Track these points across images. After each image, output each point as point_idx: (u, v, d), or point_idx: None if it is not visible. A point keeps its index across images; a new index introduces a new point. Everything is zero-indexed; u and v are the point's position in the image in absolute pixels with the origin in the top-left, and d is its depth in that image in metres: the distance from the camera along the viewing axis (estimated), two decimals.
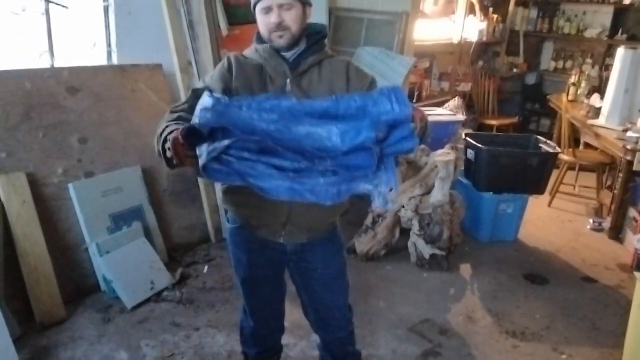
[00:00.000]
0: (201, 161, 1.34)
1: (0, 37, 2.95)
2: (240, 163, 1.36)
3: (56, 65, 3.13)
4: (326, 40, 1.84)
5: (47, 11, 3.08)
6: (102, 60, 3.41)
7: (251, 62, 1.73)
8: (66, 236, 2.90)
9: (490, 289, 3.30)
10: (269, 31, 1.68)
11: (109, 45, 3.41)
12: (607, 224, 4.16)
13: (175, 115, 1.58)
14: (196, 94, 1.59)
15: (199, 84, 1.75)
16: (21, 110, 2.82)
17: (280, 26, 1.66)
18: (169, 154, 1.42)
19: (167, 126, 1.49)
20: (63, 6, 3.10)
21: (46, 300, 2.66)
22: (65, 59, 3.20)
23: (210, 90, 1.51)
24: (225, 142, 1.33)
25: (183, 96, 3.49)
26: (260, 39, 1.76)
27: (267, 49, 1.72)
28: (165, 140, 1.44)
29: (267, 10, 1.66)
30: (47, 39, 3.12)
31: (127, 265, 2.94)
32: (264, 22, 1.69)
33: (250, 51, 1.78)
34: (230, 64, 1.71)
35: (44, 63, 3.11)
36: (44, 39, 3.11)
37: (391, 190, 1.44)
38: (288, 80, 1.70)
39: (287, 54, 1.72)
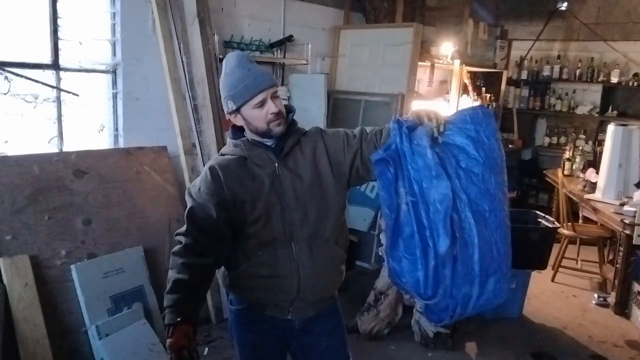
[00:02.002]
0: None
1: (12, 124, 3.07)
2: None
3: (65, 149, 3.24)
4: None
5: (58, 99, 3.23)
6: (109, 144, 3.53)
7: (232, 159, 1.77)
8: (66, 318, 2.88)
9: None
10: (267, 122, 1.73)
11: (116, 129, 3.54)
12: (612, 299, 4.11)
13: (179, 261, 1.71)
14: (193, 220, 1.73)
15: (188, 200, 1.77)
16: (28, 193, 2.89)
17: (279, 114, 1.73)
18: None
19: (172, 302, 1.68)
20: (74, 94, 3.25)
21: None
22: (73, 144, 3.31)
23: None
24: None
25: (187, 177, 3.58)
26: (236, 135, 1.82)
27: (246, 142, 1.78)
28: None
29: (262, 103, 1.71)
30: (57, 124, 3.25)
31: (127, 349, 2.89)
32: (259, 115, 1.72)
33: (229, 148, 1.82)
34: (215, 174, 1.74)
35: (52, 148, 3.22)
36: (54, 125, 3.24)
37: None
38: (276, 165, 1.76)
39: (268, 142, 1.78)
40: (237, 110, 1.75)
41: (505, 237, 1.66)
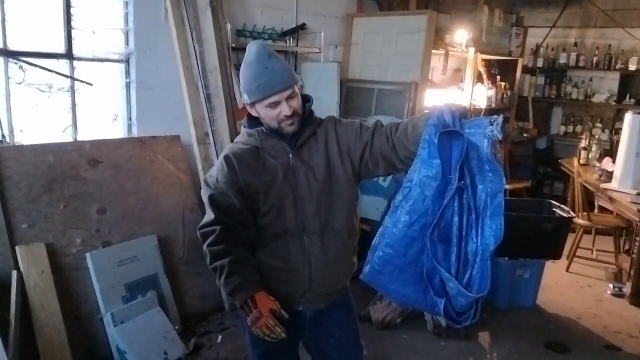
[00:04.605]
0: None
1: (27, 114, 3.09)
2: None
3: (79, 138, 3.27)
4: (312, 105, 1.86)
5: (72, 88, 3.25)
6: (122, 133, 3.55)
7: (246, 148, 1.77)
8: (82, 306, 2.91)
9: (511, 358, 3.21)
10: (279, 121, 1.72)
11: (129, 118, 3.57)
12: (627, 289, 4.06)
13: (221, 248, 1.69)
14: (218, 207, 1.71)
15: (207, 190, 1.76)
16: (44, 182, 2.92)
17: (292, 116, 1.71)
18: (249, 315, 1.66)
19: (233, 275, 1.68)
20: (88, 83, 3.27)
21: None
22: (87, 133, 3.34)
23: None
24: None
25: (200, 166, 3.59)
26: (251, 124, 1.80)
27: (261, 133, 1.76)
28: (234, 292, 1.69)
29: (275, 105, 1.69)
30: (72, 114, 3.27)
31: (141, 336, 2.93)
32: (270, 114, 1.71)
33: (243, 137, 1.82)
34: (230, 163, 1.74)
35: (67, 137, 3.25)
36: (69, 114, 3.27)
37: None
38: (290, 155, 1.75)
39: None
40: (252, 104, 1.74)
41: None
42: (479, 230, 1.54)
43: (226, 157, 1.76)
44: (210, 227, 1.71)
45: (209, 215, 1.73)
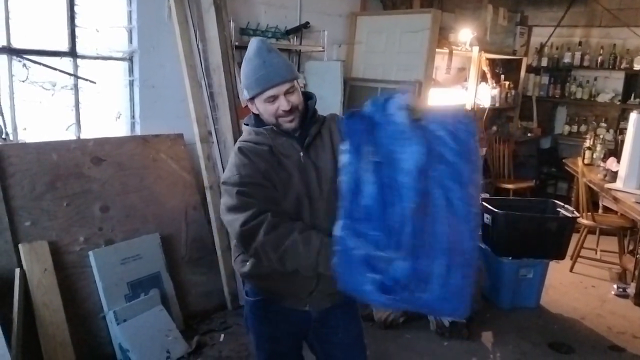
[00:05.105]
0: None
1: (31, 111, 3.09)
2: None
3: (82, 136, 3.27)
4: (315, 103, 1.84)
5: (75, 86, 3.25)
6: (126, 131, 3.55)
7: (260, 147, 1.73)
8: (85, 304, 2.92)
9: (514, 358, 3.20)
10: (277, 117, 1.70)
11: (132, 116, 3.56)
12: (631, 289, 4.05)
13: (282, 228, 1.60)
14: (254, 198, 1.63)
15: (232, 190, 1.67)
16: (47, 180, 2.92)
17: (291, 111, 1.69)
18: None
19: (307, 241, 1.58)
20: (91, 81, 3.27)
21: None
22: (91, 131, 3.34)
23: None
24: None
25: (203, 164, 3.58)
26: (258, 123, 1.78)
27: (270, 131, 1.74)
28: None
29: (274, 99, 1.68)
30: (75, 112, 3.27)
31: (144, 334, 2.93)
32: (269, 110, 1.70)
33: (249, 136, 1.78)
34: (247, 155, 1.70)
35: (70, 135, 3.25)
36: (72, 112, 3.27)
37: None
38: (301, 154, 1.74)
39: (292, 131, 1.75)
40: (252, 100, 1.74)
41: (472, 235, 1.49)
42: (400, 196, 1.45)
43: (240, 150, 1.72)
44: (257, 219, 1.60)
45: (247, 211, 1.62)
